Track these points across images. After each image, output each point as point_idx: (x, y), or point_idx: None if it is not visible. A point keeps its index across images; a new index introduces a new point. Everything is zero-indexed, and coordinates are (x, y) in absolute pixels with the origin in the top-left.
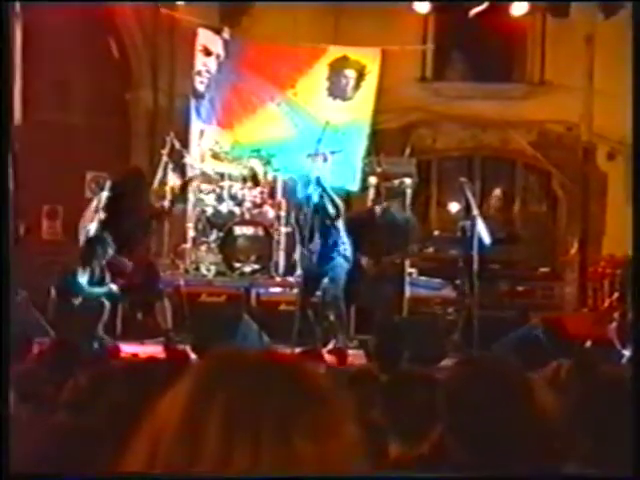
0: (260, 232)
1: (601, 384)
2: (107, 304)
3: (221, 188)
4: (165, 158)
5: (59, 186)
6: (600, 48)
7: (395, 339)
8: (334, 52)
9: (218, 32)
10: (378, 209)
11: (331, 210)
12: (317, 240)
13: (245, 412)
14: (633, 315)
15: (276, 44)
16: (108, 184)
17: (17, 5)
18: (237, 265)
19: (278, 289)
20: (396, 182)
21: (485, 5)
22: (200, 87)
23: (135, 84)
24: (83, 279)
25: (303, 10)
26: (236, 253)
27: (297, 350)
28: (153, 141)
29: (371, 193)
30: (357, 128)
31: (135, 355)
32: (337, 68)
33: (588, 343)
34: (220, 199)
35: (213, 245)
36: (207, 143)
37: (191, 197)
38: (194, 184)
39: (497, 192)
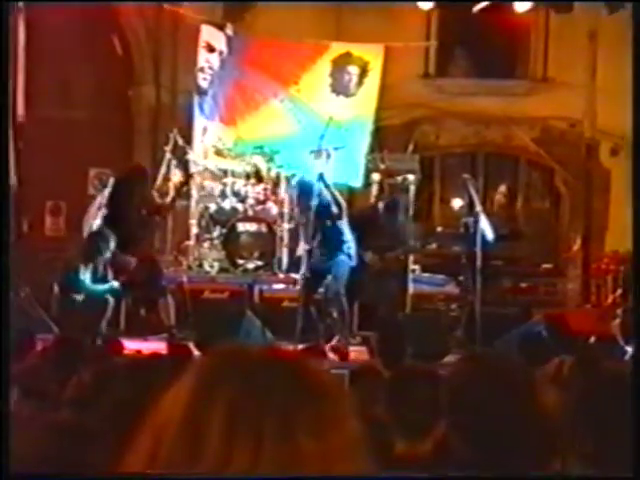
0: (263, 229)
1: (604, 380)
2: (111, 301)
3: (224, 185)
4: (168, 155)
5: (62, 182)
6: (603, 44)
7: (398, 335)
8: (337, 48)
9: (221, 28)
10: (381, 205)
11: (334, 207)
12: (320, 237)
13: (248, 408)
14: (634, 313)
15: (279, 41)
16: (111, 181)
17: (20, 2)
18: (240, 262)
19: (281, 286)
20: (399, 178)
21: (488, 2)
22: (203, 83)
23: (138, 80)
24: (86, 276)
25: (306, 7)
26: (239, 250)
27: (300, 347)
28: (156, 138)
29: (374, 189)
30: (360, 124)
31: (138, 351)
32: (340, 64)
33: (591, 339)
34: (223, 196)
35: (216, 242)
36: (210, 139)
37: (194, 194)
38: (197, 181)
39: (502, 189)
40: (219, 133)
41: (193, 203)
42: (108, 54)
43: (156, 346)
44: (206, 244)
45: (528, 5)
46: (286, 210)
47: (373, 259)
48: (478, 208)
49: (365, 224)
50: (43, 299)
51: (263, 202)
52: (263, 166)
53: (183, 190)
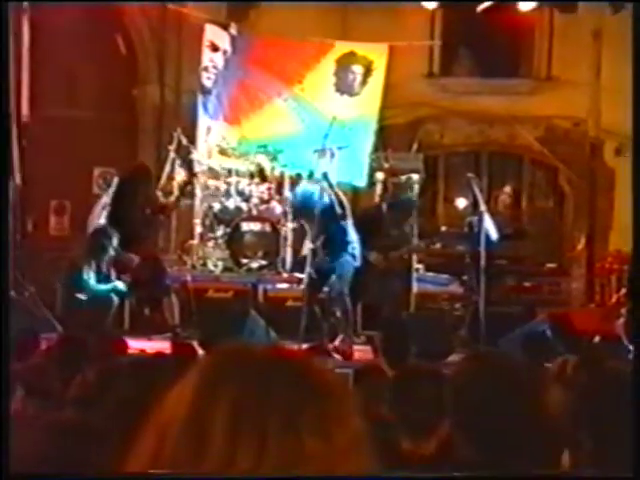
0: (267, 228)
1: (608, 380)
2: (115, 300)
3: (228, 184)
4: (172, 154)
5: (67, 182)
6: (607, 43)
7: (402, 335)
8: (341, 48)
9: (225, 28)
10: (385, 204)
11: (338, 207)
12: (324, 237)
13: (252, 407)
14: (634, 313)
15: (283, 40)
16: (115, 180)
17: (25, 2)
18: (244, 261)
19: (285, 285)
20: (403, 178)
21: (492, 1)
22: (207, 83)
23: (142, 80)
24: (90, 275)
25: (310, 6)
26: (243, 249)
27: (304, 346)
28: (160, 137)
29: (378, 189)
30: (364, 124)
31: (142, 351)
32: (344, 64)
33: (595, 339)
34: (227, 195)
35: (220, 241)
36: (214, 139)
37: (198, 193)
38: (201, 180)
39: (507, 189)
40: (223, 132)
41: (197, 202)
42: (112, 54)
43: (160, 345)
44: (210, 243)
45: (532, 4)
46: (290, 209)
47: (377, 258)
48: (482, 207)
49: (369, 224)
50: (47, 298)
51: (267, 201)
52: (267, 165)
53: (187, 189)
